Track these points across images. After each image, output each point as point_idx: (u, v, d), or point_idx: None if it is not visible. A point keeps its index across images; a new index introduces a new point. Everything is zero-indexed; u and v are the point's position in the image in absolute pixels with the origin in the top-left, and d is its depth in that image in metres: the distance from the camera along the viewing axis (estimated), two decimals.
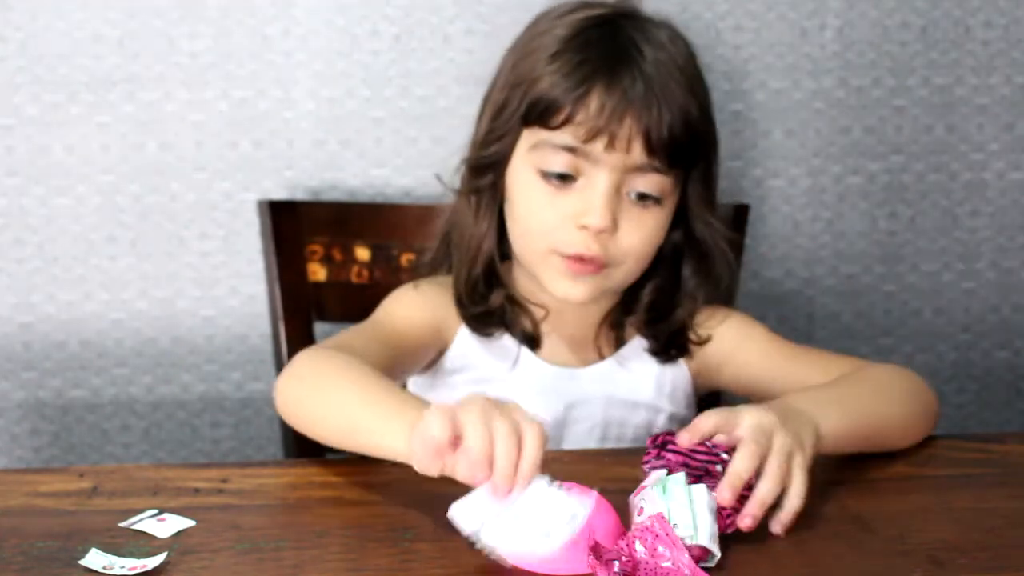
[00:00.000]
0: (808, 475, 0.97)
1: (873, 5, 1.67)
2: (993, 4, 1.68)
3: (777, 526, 0.94)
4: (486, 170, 1.23)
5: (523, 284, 1.26)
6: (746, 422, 0.96)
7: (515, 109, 1.19)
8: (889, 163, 1.72)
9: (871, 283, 1.75)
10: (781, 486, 0.94)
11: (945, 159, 1.72)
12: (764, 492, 0.93)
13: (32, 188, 1.60)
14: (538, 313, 1.25)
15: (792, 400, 1.05)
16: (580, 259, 1.17)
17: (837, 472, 1.07)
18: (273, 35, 1.60)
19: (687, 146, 1.17)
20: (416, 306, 1.26)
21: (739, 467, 0.93)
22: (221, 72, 1.60)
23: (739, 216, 1.53)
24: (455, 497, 1.01)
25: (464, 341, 1.26)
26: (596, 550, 0.85)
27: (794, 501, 0.95)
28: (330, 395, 1.04)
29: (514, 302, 1.25)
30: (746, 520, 0.92)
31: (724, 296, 1.30)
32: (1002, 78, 1.71)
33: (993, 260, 1.76)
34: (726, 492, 0.91)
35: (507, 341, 1.26)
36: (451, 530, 0.95)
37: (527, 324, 1.25)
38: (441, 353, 1.27)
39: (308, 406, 1.07)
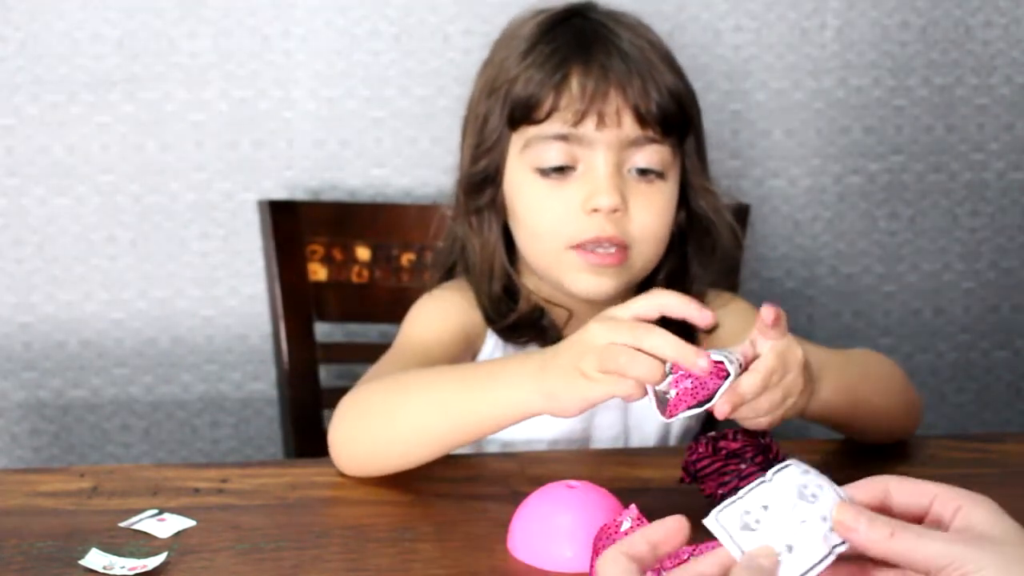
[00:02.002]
0: (785, 411, 0.94)
1: (873, 5, 1.67)
2: (993, 4, 1.68)
3: (724, 404, 0.90)
4: (482, 186, 1.21)
5: (539, 288, 1.24)
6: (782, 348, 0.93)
7: (498, 116, 1.18)
8: (889, 163, 1.72)
9: (871, 283, 1.75)
10: (768, 407, 0.92)
11: (945, 159, 1.72)
12: (752, 394, 0.90)
13: (32, 188, 1.61)
14: (561, 316, 1.23)
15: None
16: (598, 244, 1.14)
17: (837, 472, 1.07)
18: (273, 35, 1.60)
19: (676, 113, 1.17)
20: (440, 317, 1.23)
21: (745, 386, 0.90)
22: (221, 72, 1.60)
23: (739, 216, 1.53)
24: (455, 497, 1.02)
25: (492, 349, 1.24)
26: (598, 542, 0.85)
27: (747, 387, 0.91)
28: (412, 403, 1.01)
29: (538, 307, 1.23)
30: (723, 406, 0.89)
31: (728, 272, 1.29)
32: (1002, 78, 1.71)
33: (993, 260, 1.76)
34: (726, 406, 0.88)
35: (533, 351, 1.24)
36: (451, 530, 0.95)
37: (552, 332, 1.23)
38: (472, 359, 1.25)
39: (389, 431, 1.02)
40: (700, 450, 0.98)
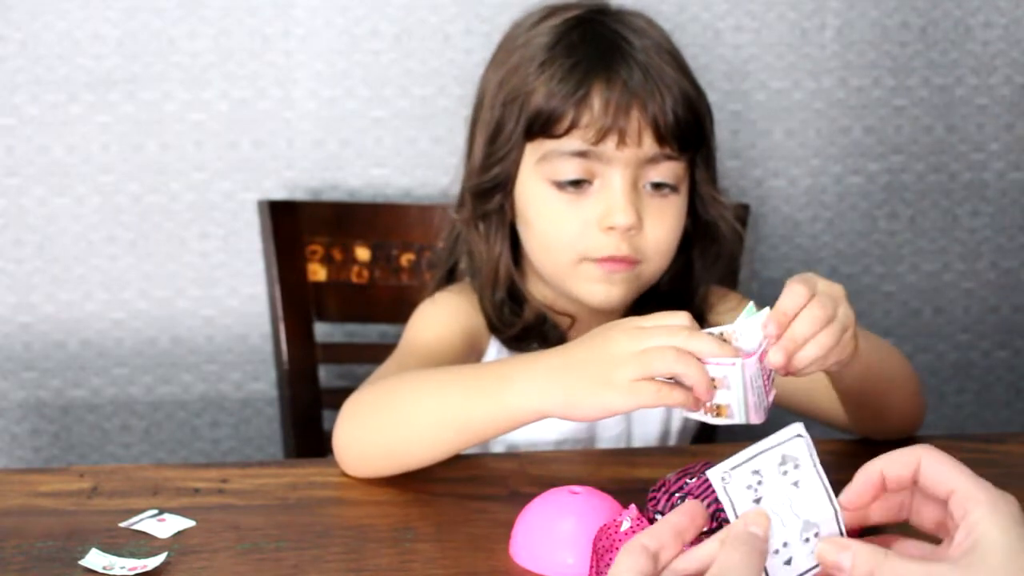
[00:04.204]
0: (849, 339, 0.92)
1: (873, 5, 1.67)
2: (993, 4, 1.68)
3: (777, 352, 0.88)
4: (491, 193, 1.20)
5: (544, 294, 1.23)
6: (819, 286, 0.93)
7: (513, 126, 1.17)
8: (889, 163, 1.72)
9: (871, 283, 1.75)
10: (820, 328, 0.90)
11: (945, 159, 1.72)
12: (797, 330, 0.88)
13: (32, 188, 1.60)
14: (564, 322, 1.23)
15: None
16: (612, 260, 1.15)
17: (837, 472, 1.07)
18: (273, 35, 1.60)
19: (693, 127, 1.16)
20: (444, 321, 1.22)
21: (783, 303, 0.89)
22: (221, 72, 1.60)
23: (739, 216, 1.53)
24: (455, 497, 1.02)
25: (495, 353, 1.24)
26: (598, 547, 0.85)
27: (812, 348, 0.90)
28: (419, 406, 1.00)
29: (542, 314, 1.22)
30: (777, 355, 0.88)
31: (728, 272, 1.28)
32: (1002, 78, 1.71)
33: (993, 260, 1.76)
34: (771, 326, 0.87)
35: (540, 352, 1.23)
36: (451, 530, 0.95)
37: (554, 336, 1.22)
38: (477, 362, 1.24)
39: (395, 433, 1.02)
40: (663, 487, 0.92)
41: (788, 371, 0.90)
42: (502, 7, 1.60)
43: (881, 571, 0.67)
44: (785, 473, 0.70)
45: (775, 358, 0.87)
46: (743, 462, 0.70)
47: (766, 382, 0.88)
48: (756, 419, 0.88)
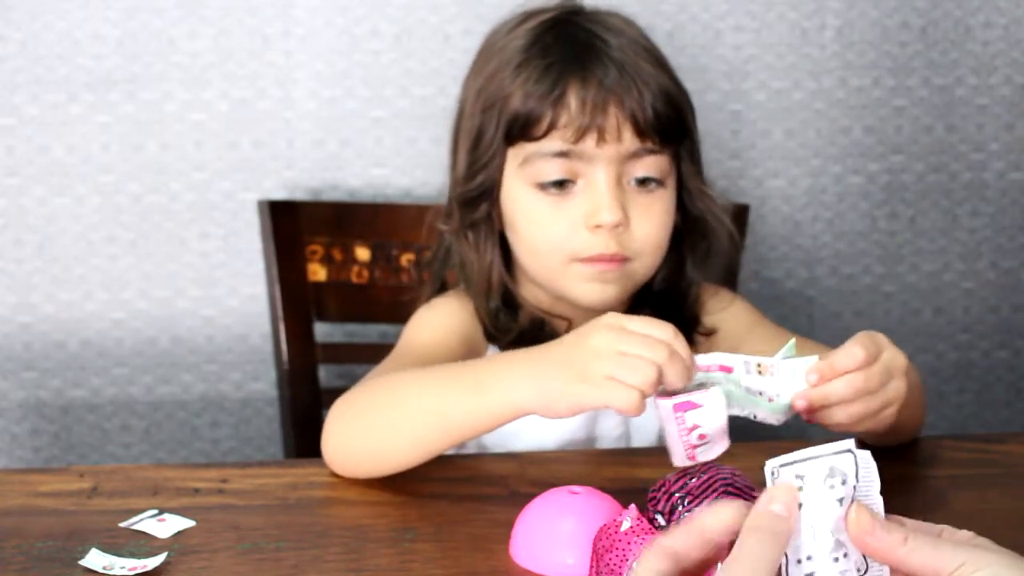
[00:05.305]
0: (890, 414, 0.93)
1: (873, 5, 1.67)
2: (993, 4, 1.68)
3: (800, 399, 0.89)
4: (477, 201, 1.20)
5: (538, 299, 1.23)
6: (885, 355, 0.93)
7: (494, 132, 1.17)
8: (889, 163, 1.72)
9: (871, 283, 1.75)
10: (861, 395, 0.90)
11: (945, 159, 1.72)
12: (832, 391, 0.89)
13: (32, 188, 1.61)
14: (561, 326, 1.22)
15: None
16: (601, 259, 1.14)
17: None
18: (273, 35, 1.60)
19: (674, 120, 1.16)
20: (441, 325, 1.22)
21: (836, 360, 0.89)
22: (221, 72, 1.60)
23: (739, 216, 1.53)
24: (455, 497, 1.02)
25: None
26: (598, 548, 0.85)
27: (840, 414, 0.90)
28: (403, 407, 1.01)
29: (538, 319, 1.22)
30: (800, 402, 0.88)
31: (727, 273, 1.27)
32: (1002, 78, 1.71)
33: (993, 260, 1.76)
34: (813, 375, 0.88)
35: (521, 350, 1.23)
36: (451, 530, 0.95)
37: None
38: None
39: (380, 434, 1.02)
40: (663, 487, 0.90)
41: (810, 420, 0.90)
42: (502, 7, 1.59)
43: (910, 545, 0.67)
44: (832, 487, 0.69)
45: (798, 403, 0.88)
46: (791, 462, 0.68)
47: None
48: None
